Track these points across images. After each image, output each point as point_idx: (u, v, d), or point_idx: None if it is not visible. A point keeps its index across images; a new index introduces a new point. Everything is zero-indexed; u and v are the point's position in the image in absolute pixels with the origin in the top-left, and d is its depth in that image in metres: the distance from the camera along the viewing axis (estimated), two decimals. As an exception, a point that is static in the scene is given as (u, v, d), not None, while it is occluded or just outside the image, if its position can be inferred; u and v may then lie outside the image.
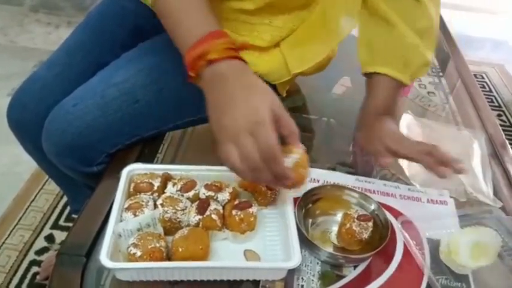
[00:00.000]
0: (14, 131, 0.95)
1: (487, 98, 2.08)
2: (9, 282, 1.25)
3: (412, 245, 0.70)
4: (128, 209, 0.66)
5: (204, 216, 0.66)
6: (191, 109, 0.86)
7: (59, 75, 0.90)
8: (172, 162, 0.88)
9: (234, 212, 0.67)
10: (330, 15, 0.80)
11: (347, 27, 0.80)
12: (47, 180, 1.55)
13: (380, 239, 0.68)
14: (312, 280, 0.65)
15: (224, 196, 0.70)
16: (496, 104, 2.30)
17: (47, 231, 1.40)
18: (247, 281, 0.63)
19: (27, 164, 1.55)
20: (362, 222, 0.68)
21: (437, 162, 0.71)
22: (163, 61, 0.83)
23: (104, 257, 0.58)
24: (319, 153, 0.91)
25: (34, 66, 2.02)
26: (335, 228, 0.72)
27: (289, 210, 0.68)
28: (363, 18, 0.83)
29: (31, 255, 1.33)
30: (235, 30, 0.82)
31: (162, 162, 0.86)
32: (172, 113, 0.85)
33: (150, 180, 0.70)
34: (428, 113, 1.12)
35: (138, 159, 0.81)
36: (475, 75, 2.06)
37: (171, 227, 0.66)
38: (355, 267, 0.68)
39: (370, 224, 0.69)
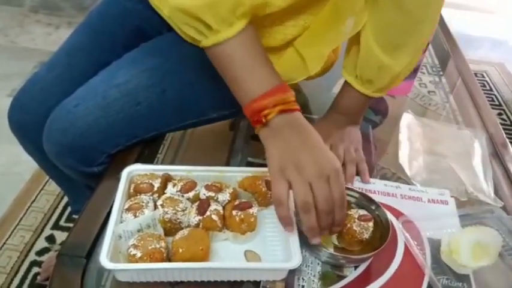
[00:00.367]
0: (15, 133, 0.95)
1: (487, 97, 2.08)
2: (10, 283, 1.25)
3: (412, 245, 0.70)
4: (128, 209, 0.66)
5: (204, 216, 0.66)
6: (193, 111, 0.86)
7: (60, 76, 0.90)
8: (172, 162, 0.88)
9: (234, 212, 0.67)
10: (342, 7, 0.79)
11: (358, 22, 0.79)
12: (47, 181, 1.55)
13: (381, 239, 0.68)
14: (313, 280, 0.65)
15: (224, 197, 0.70)
16: (497, 103, 2.29)
17: (47, 231, 1.40)
18: (248, 281, 0.63)
19: (27, 164, 1.55)
20: (362, 223, 0.68)
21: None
22: (165, 62, 0.83)
23: (104, 258, 0.58)
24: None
25: (34, 66, 2.02)
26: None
27: (290, 211, 0.68)
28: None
29: (32, 256, 1.33)
30: None
31: (162, 163, 0.86)
32: (174, 115, 0.85)
33: (150, 181, 0.70)
34: (428, 112, 1.12)
35: (138, 160, 0.81)
36: (475, 74, 2.06)
37: (171, 228, 0.66)
38: (355, 267, 0.67)
39: (371, 224, 0.68)
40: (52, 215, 1.45)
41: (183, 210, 0.67)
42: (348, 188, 0.76)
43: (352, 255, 0.67)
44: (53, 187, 1.53)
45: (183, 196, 0.69)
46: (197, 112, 0.86)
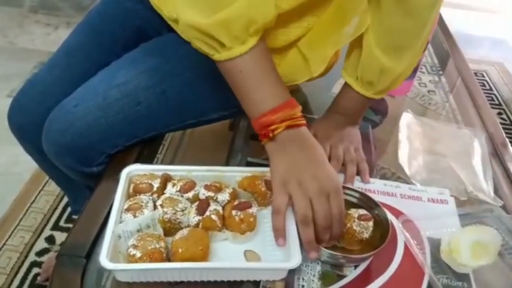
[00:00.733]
0: (15, 133, 0.95)
1: (487, 97, 2.08)
2: (10, 284, 1.25)
3: (412, 245, 0.70)
4: (127, 210, 0.66)
5: (204, 216, 0.66)
6: (193, 112, 0.86)
7: (59, 77, 0.90)
8: (171, 162, 0.88)
9: (233, 212, 0.67)
10: (346, 9, 0.79)
11: (361, 23, 0.79)
12: (47, 182, 1.55)
13: (380, 238, 0.67)
14: (313, 280, 0.65)
15: (224, 196, 0.70)
16: (496, 102, 2.29)
17: (47, 232, 1.40)
18: (248, 281, 0.63)
19: (27, 165, 1.55)
20: (362, 222, 0.68)
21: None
22: (166, 63, 0.83)
23: (103, 258, 0.58)
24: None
25: (34, 67, 2.02)
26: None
27: (289, 211, 0.68)
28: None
29: (32, 257, 1.33)
30: None
31: (161, 163, 0.86)
32: (173, 116, 0.85)
33: (150, 181, 0.70)
34: (428, 111, 1.12)
35: (138, 160, 0.81)
36: (475, 73, 2.06)
37: (170, 228, 0.66)
38: (355, 267, 0.67)
39: (371, 223, 0.68)
40: (52, 215, 1.45)
41: (183, 210, 0.67)
42: (348, 188, 0.76)
43: (352, 255, 0.67)
44: (53, 188, 1.53)
45: (182, 196, 0.69)
46: (197, 112, 0.86)
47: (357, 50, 0.83)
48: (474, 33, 2.89)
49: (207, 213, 0.66)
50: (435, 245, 0.71)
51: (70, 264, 0.64)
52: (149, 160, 0.84)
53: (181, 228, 0.65)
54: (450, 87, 1.21)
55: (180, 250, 0.61)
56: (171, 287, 0.62)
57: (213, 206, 0.67)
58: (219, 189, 0.70)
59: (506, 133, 1.01)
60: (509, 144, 0.97)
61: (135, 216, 0.64)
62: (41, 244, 1.36)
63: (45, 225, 1.42)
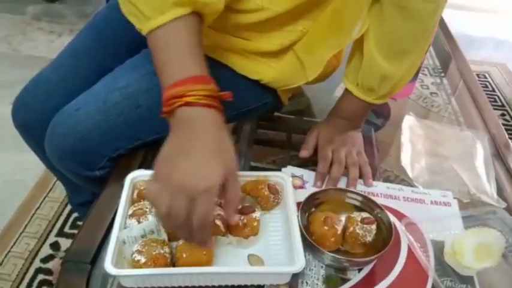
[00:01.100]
0: (18, 129, 0.96)
1: (489, 98, 2.08)
2: (16, 290, 1.26)
3: (416, 247, 0.70)
4: (132, 215, 0.66)
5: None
6: None
7: (64, 78, 0.91)
8: (175, 168, 0.88)
9: (237, 217, 0.67)
10: (343, 13, 0.79)
11: (360, 26, 0.80)
12: (51, 188, 1.56)
13: (384, 241, 0.68)
14: (317, 284, 0.65)
15: (227, 201, 0.70)
16: (499, 103, 2.29)
17: (52, 238, 1.41)
18: (252, 285, 0.63)
19: (31, 172, 1.57)
20: (365, 225, 0.68)
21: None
22: None
23: (108, 264, 0.59)
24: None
25: (37, 74, 2.03)
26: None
27: (293, 214, 0.68)
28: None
29: (37, 263, 1.33)
30: (245, 37, 0.82)
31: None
32: None
33: (154, 187, 0.70)
34: (431, 113, 1.12)
35: (142, 166, 0.81)
36: (477, 75, 2.06)
37: (175, 233, 0.66)
38: (359, 270, 0.68)
39: (374, 226, 0.69)
40: (56, 222, 1.46)
41: (187, 216, 0.67)
42: (350, 191, 0.76)
43: (356, 258, 0.67)
44: (57, 194, 1.54)
45: (186, 201, 0.69)
46: None
47: (357, 56, 0.84)
48: (476, 34, 2.89)
49: (211, 218, 0.66)
50: (439, 247, 0.71)
51: (75, 270, 0.64)
52: (153, 165, 0.85)
53: (185, 234, 0.65)
54: (452, 89, 1.21)
55: (184, 255, 0.61)
56: (175, 292, 0.62)
57: (216, 211, 0.67)
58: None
59: (509, 134, 1.01)
60: (511, 146, 0.97)
61: (139, 222, 0.65)
62: (46, 250, 1.37)
63: (50, 231, 1.43)
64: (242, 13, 0.77)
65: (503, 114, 2.21)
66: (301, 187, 0.81)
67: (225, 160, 0.57)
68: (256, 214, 0.68)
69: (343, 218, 0.71)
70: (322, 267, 0.68)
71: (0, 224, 1.43)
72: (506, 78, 2.49)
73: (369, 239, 0.68)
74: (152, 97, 0.81)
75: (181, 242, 0.63)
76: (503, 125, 1.06)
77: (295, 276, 0.64)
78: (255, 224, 0.67)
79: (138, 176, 0.73)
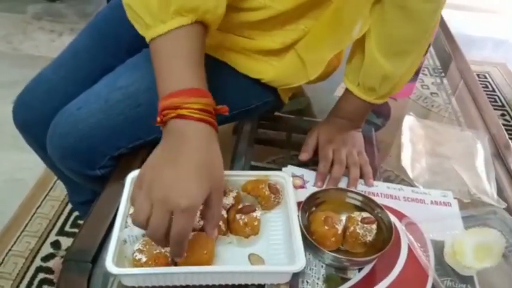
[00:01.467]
0: (19, 129, 0.96)
1: (490, 98, 2.09)
2: (16, 289, 1.26)
3: (416, 247, 0.70)
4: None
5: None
6: None
7: (65, 78, 0.91)
8: (176, 167, 0.88)
9: (238, 216, 0.67)
10: (345, 13, 0.79)
11: (361, 26, 0.80)
12: (52, 187, 1.56)
13: (384, 241, 0.68)
14: (317, 283, 0.65)
15: (228, 200, 0.70)
16: (499, 104, 2.29)
17: (53, 237, 1.41)
18: (252, 285, 0.64)
19: (31, 171, 1.57)
20: (366, 225, 0.68)
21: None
22: None
23: (109, 263, 0.59)
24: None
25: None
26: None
27: (293, 214, 0.69)
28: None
29: (37, 262, 1.33)
30: (247, 35, 0.82)
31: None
32: None
33: (154, 186, 0.70)
34: (431, 114, 1.13)
35: (143, 165, 0.81)
36: (477, 75, 2.06)
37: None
38: (359, 269, 0.68)
39: (374, 226, 0.69)
40: (57, 221, 1.46)
41: (187, 215, 0.67)
42: (351, 191, 0.77)
43: (356, 258, 0.67)
44: (58, 193, 1.54)
45: (187, 200, 0.69)
46: None
47: (358, 56, 0.84)
48: (476, 34, 2.89)
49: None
50: (439, 247, 0.71)
51: (76, 269, 0.64)
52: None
53: (186, 233, 0.66)
54: (452, 89, 1.22)
55: (184, 254, 0.61)
56: (176, 291, 0.62)
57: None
58: (223, 194, 0.71)
59: (509, 135, 1.01)
60: (512, 146, 0.98)
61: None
62: (47, 249, 1.37)
63: (51, 230, 1.43)
64: (245, 11, 0.77)
65: (503, 115, 2.21)
66: (302, 187, 0.81)
67: (212, 177, 0.56)
68: (257, 213, 0.68)
69: (343, 217, 0.71)
70: (322, 266, 0.68)
71: (1, 223, 1.43)
72: (507, 79, 2.49)
73: (369, 238, 0.68)
74: (153, 96, 0.80)
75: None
76: (504, 125, 1.06)
77: (296, 276, 0.65)
78: (256, 223, 0.67)
79: (139, 175, 0.73)
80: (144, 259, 0.60)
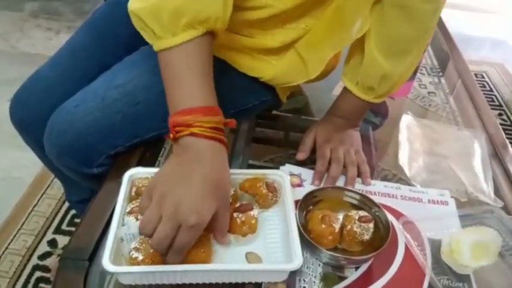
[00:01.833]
0: (16, 127, 0.96)
1: (487, 98, 2.09)
2: (13, 287, 1.25)
3: (413, 246, 0.70)
4: (129, 213, 0.66)
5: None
6: None
7: (62, 76, 0.91)
8: (173, 165, 0.88)
9: (235, 214, 0.67)
10: (346, 12, 0.79)
11: (361, 25, 0.80)
12: (49, 185, 1.56)
13: (381, 240, 0.68)
14: (314, 282, 0.65)
15: (225, 199, 0.70)
16: (497, 103, 2.30)
17: (49, 236, 1.41)
18: (249, 283, 0.64)
19: (28, 169, 1.57)
20: (363, 224, 0.68)
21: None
22: None
23: (106, 261, 0.59)
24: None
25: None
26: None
27: (291, 213, 0.68)
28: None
29: (34, 260, 1.33)
30: (247, 34, 0.82)
31: (167, 161, 0.86)
32: None
33: (152, 184, 0.70)
34: (428, 113, 1.13)
35: (140, 163, 0.81)
36: (475, 74, 2.06)
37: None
38: (356, 268, 0.68)
39: (371, 225, 0.69)
40: (54, 219, 1.46)
41: (185, 213, 0.67)
42: (348, 190, 0.77)
43: (353, 256, 0.67)
44: (55, 191, 1.54)
45: (184, 199, 0.69)
46: None
47: (356, 55, 0.84)
48: (474, 34, 2.90)
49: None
50: (436, 246, 0.71)
51: (73, 267, 0.64)
52: (151, 163, 0.85)
53: (183, 231, 0.65)
54: (450, 89, 1.22)
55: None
56: (173, 290, 0.62)
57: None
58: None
59: (506, 134, 1.01)
60: (509, 146, 0.98)
61: (137, 219, 0.65)
62: (44, 248, 1.37)
63: (48, 228, 1.43)
64: (246, 10, 0.77)
65: (500, 114, 2.21)
66: (299, 185, 0.81)
67: (220, 195, 0.60)
68: (254, 212, 0.68)
69: (340, 216, 0.71)
70: (319, 265, 0.68)
71: (-2, 221, 1.43)
72: (504, 78, 2.50)
73: (367, 237, 0.68)
74: (151, 94, 0.81)
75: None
76: (501, 124, 1.06)
77: (293, 274, 0.65)
78: (253, 221, 0.67)
79: (136, 173, 0.73)
80: (141, 257, 0.60)
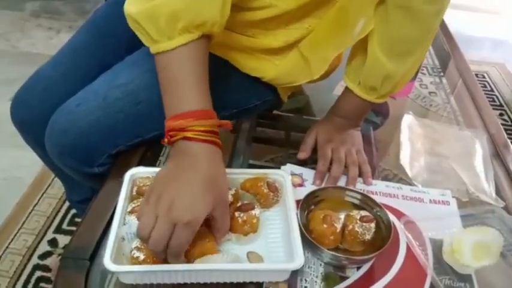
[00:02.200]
0: (17, 127, 0.96)
1: (488, 97, 2.09)
2: (14, 287, 1.26)
3: (414, 246, 0.70)
4: (131, 212, 0.66)
5: (207, 218, 0.66)
6: None
7: (63, 75, 0.91)
8: (174, 165, 0.88)
9: (236, 214, 0.67)
10: (350, 12, 0.79)
11: (364, 26, 0.80)
12: (49, 185, 1.56)
13: (383, 239, 0.68)
14: (315, 282, 0.65)
15: (227, 198, 0.70)
16: (498, 103, 2.29)
17: (50, 235, 1.40)
18: (251, 282, 0.63)
19: (29, 168, 1.57)
20: (364, 224, 0.68)
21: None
22: None
23: (107, 260, 0.58)
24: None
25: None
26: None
27: (292, 212, 0.68)
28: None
29: (34, 260, 1.33)
30: (250, 34, 0.82)
31: (164, 165, 0.86)
32: None
33: (153, 184, 0.70)
34: (429, 113, 1.13)
35: (141, 163, 0.81)
36: (476, 74, 2.06)
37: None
38: (358, 268, 0.68)
39: (373, 225, 0.69)
40: (54, 218, 1.46)
41: (186, 213, 0.67)
42: (350, 190, 0.76)
43: (355, 256, 0.67)
44: (56, 191, 1.54)
45: (185, 198, 0.69)
46: None
47: (359, 55, 0.84)
48: (475, 34, 2.90)
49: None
50: (437, 246, 0.71)
51: (74, 266, 0.64)
52: (152, 162, 0.85)
53: (185, 230, 0.65)
54: (451, 89, 1.22)
55: (188, 247, 0.61)
56: (174, 289, 0.62)
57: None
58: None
59: (507, 134, 1.01)
60: (510, 145, 0.98)
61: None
62: (44, 247, 1.37)
63: (48, 228, 1.43)
64: (249, 11, 0.77)
65: (501, 114, 2.21)
66: (301, 185, 0.81)
67: (216, 193, 0.60)
68: (256, 211, 0.68)
69: (342, 216, 0.71)
70: (321, 265, 0.68)
71: (-2, 221, 1.43)
72: (505, 78, 2.50)
73: (368, 237, 0.68)
74: (152, 94, 0.80)
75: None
76: (502, 124, 1.06)
77: (294, 274, 0.64)
78: (255, 221, 0.67)
79: (138, 172, 0.73)
80: (142, 257, 0.60)
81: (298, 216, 0.68)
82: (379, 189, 0.82)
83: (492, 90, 2.39)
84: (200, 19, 0.62)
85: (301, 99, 1.12)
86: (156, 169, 0.74)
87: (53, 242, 1.38)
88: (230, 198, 0.70)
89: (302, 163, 0.85)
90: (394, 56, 0.80)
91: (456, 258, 0.68)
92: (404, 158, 0.90)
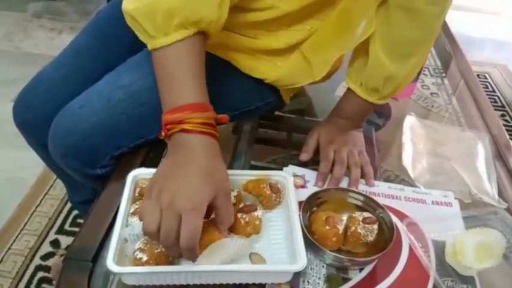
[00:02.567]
0: (19, 128, 0.96)
1: (490, 98, 2.08)
2: (16, 288, 1.26)
3: (417, 247, 0.70)
4: (133, 213, 0.66)
5: (209, 219, 0.66)
6: None
7: (66, 77, 0.91)
8: (176, 166, 0.88)
9: (239, 215, 0.67)
10: (352, 14, 0.79)
11: (366, 28, 0.80)
12: (51, 186, 1.56)
13: (385, 241, 0.68)
14: (318, 283, 0.65)
15: (229, 200, 0.70)
16: (500, 104, 2.29)
17: (52, 236, 1.41)
18: (253, 284, 0.64)
19: (31, 169, 1.57)
20: (367, 225, 0.68)
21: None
22: None
23: (110, 261, 0.59)
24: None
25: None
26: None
27: (294, 214, 0.68)
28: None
29: (37, 260, 1.33)
30: (252, 35, 0.82)
31: (163, 160, 0.87)
32: None
33: (155, 185, 0.70)
34: (431, 114, 1.12)
35: (143, 164, 0.81)
36: (478, 75, 2.06)
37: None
38: (360, 270, 0.68)
39: (375, 226, 0.69)
40: (56, 219, 1.46)
41: (188, 214, 0.67)
42: (352, 191, 0.76)
43: (357, 258, 0.67)
44: (57, 192, 1.54)
45: (188, 200, 0.69)
46: None
47: (360, 57, 0.84)
48: (476, 35, 2.89)
49: (213, 215, 0.66)
50: (440, 247, 0.71)
51: (77, 268, 0.64)
52: (155, 164, 0.84)
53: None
54: (453, 90, 1.22)
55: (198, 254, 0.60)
56: (177, 290, 0.62)
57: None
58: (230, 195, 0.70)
59: (509, 135, 1.01)
60: (513, 147, 0.98)
61: (141, 220, 0.65)
62: (46, 248, 1.37)
63: (50, 229, 1.43)
64: (251, 12, 0.77)
65: (503, 115, 2.21)
66: (303, 186, 0.81)
67: (215, 181, 0.60)
68: (258, 213, 0.68)
69: (344, 217, 0.71)
70: (323, 266, 0.68)
71: (0, 222, 1.43)
72: (507, 79, 2.50)
73: (371, 238, 0.68)
74: (155, 95, 0.80)
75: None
76: (504, 125, 1.06)
77: (297, 275, 0.64)
78: (257, 222, 0.67)
79: (140, 174, 0.73)
80: (145, 258, 0.60)
81: (301, 217, 0.68)
82: (381, 191, 0.82)
83: (494, 91, 2.39)
84: (196, 16, 0.62)
85: (303, 100, 1.12)
86: (159, 170, 0.75)
87: (55, 243, 1.38)
88: (232, 199, 0.70)
89: (304, 164, 0.85)
90: (396, 57, 0.80)
91: (459, 259, 0.68)
92: (407, 159, 0.90)
